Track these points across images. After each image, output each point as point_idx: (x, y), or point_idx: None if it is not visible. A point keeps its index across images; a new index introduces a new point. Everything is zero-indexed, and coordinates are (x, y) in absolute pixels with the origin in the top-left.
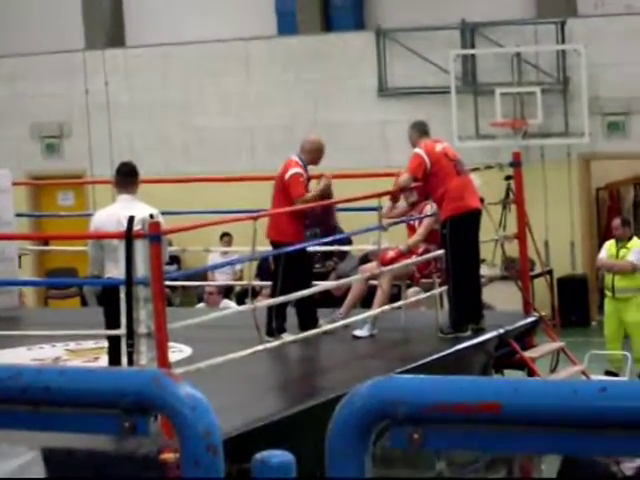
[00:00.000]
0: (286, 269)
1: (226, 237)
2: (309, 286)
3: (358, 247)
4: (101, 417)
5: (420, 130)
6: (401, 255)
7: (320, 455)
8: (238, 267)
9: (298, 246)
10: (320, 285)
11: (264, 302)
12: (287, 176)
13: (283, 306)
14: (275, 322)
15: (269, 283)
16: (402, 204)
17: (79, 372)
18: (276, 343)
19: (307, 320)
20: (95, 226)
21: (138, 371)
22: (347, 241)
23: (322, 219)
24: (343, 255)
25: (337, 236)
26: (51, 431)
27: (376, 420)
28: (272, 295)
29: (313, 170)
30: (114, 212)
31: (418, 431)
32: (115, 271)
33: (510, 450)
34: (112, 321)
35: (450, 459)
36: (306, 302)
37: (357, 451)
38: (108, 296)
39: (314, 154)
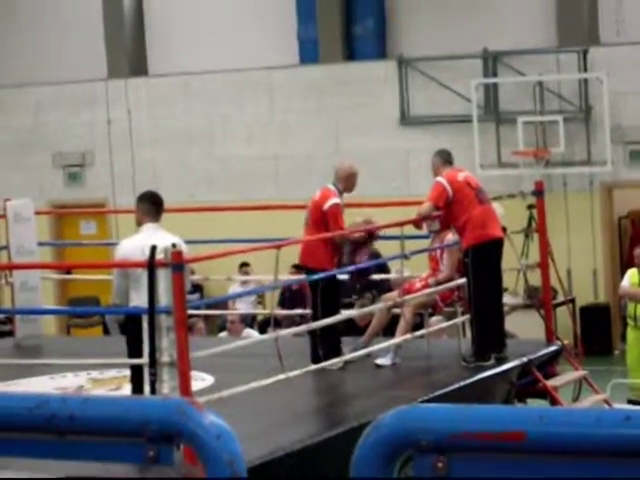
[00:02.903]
0: (324, 295)
1: (245, 267)
2: (337, 314)
3: (381, 276)
4: (125, 446)
5: (444, 158)
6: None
7: None
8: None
9: (333, 272)
10: (343, 314)
11: (287, 331)
12: (327, 206)
13: (327, 333)
14: (321, 350)
15: (292, 312)
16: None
17: (104, 401)
18: (300, 371)
19: (329, 349)
20: (122, 255)
21: (162, 400)
22: (384, 269)
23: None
24: (381, 287)
25: (368, 263)
26: (76, 460)
27: (400, 449)
28: (313, 321)
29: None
30: (143, 241)
31: (442, 459)
32: (138, 300)
33: (535, 478)
34: (135, 350)
35: None
36: (331, 331)
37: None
38: (131, 325)
39: (348, 181)
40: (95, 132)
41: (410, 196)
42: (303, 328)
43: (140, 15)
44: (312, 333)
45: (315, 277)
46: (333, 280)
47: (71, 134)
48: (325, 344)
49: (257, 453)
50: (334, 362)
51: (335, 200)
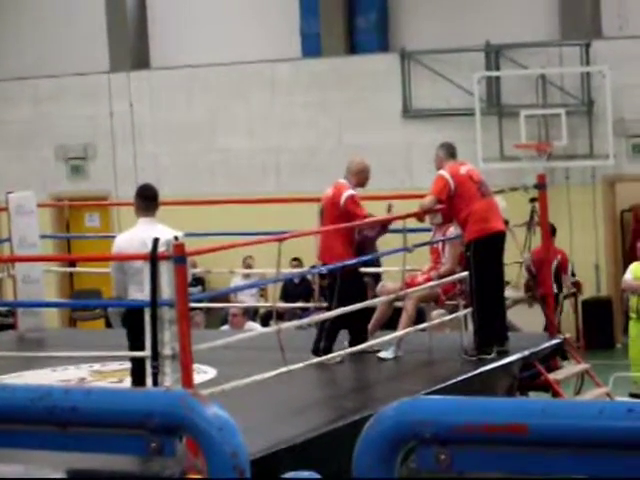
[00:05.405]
0: (342, 290)
1: (248, 259)
2: (365, 308)
3: (384, 269)
4: (128, 438)
5: (447, 152)
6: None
7: (347, 476)
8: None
9: (339, 264)
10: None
11: (290, 324)
12: (343, 200)
13: (336, 327)
14: (324, 342)
15: (293, 305)
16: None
17: (106, 393)
18: (303, 364)
19: (358, 340)
20: (117, 250)
21: (165, 392)
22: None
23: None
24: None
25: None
26: (78, 452)
27: (403, 441)
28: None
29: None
30: (138, 235)
31: (445, 452)
32: (138, 294)
33: (537, 471)
34: (135, 343)
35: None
36: (359, 322)
37: (384, 472)
38: (131, 318)
39: (361, 176)
40: (97, 125)
41: (412, 189)
42: (318, 318)
43: (143, 8)
44: (321, 325)
45: (315, 270)
46: (353, 273)
47: (74, 127)
48: (330, 337)
49: (259, 446)
50: (332, 356)
51: (350, 192)
